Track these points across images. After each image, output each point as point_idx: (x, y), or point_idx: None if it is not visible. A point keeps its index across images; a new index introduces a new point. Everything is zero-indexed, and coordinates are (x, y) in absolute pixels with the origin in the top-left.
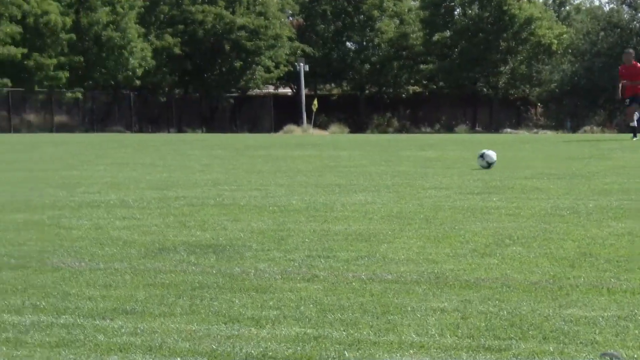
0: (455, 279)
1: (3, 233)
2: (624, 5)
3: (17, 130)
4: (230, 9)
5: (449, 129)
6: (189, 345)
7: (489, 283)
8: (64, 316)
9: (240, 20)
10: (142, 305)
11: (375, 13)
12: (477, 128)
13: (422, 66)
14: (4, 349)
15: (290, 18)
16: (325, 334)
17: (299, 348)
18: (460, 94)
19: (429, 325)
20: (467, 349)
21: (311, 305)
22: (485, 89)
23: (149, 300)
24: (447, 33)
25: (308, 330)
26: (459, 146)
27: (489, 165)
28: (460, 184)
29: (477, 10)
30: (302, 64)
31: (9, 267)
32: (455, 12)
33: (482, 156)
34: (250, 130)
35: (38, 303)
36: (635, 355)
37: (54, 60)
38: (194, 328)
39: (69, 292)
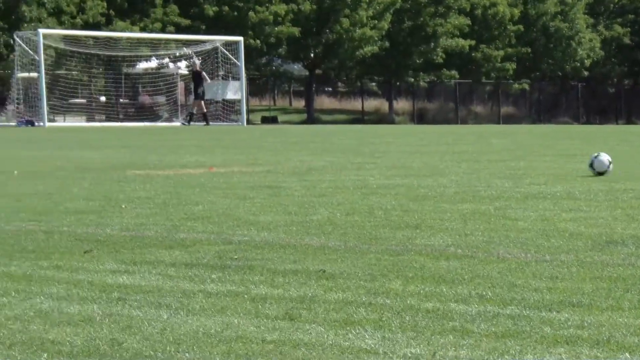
0: None
1: (450, 223)
2: None
3: (463, 121)
4: None
5: None
6: (638, 341)
7: None
8: (509, 307)
9: None
10: (589, 298)
11: None
12: None
13: None
14: (451, 337)
15: None
16: None
17: None
18: None
19: None
20: None
21: None
22: None
23: (596, 294)
24: None
25: None
26: None
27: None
28: None
29: None
30: None
31: (456, 257)
32: None
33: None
34: None
35: (484, 293)
36: None
37: (501, 52)
38: None
39: (514, 283)
